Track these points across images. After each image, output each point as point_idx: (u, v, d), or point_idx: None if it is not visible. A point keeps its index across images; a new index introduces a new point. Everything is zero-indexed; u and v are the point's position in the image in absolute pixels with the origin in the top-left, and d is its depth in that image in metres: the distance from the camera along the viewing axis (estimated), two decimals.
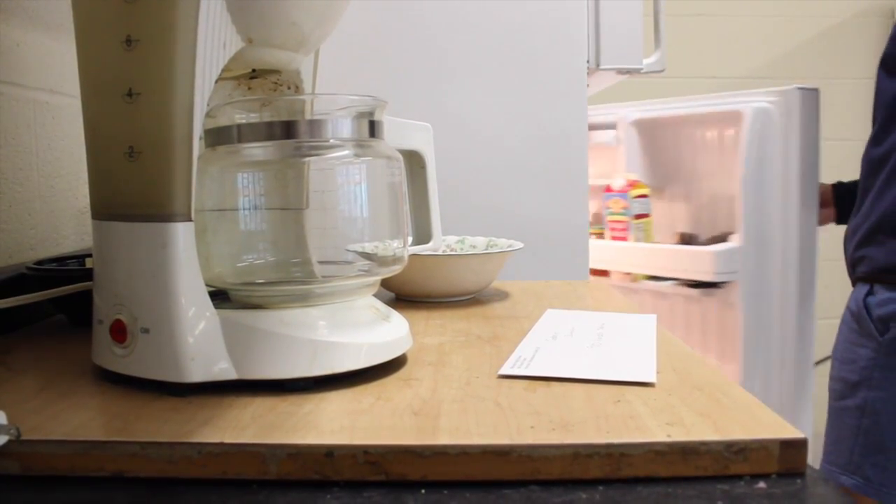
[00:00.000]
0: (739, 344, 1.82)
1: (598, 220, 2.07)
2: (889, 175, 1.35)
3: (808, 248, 1.78)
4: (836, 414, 1.43)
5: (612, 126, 2.12)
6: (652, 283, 2.00)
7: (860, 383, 1.36)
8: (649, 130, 2.10)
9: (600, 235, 2.04)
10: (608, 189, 1.99)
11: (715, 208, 2.00)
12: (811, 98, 1.78)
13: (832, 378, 1.47)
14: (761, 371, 1.81)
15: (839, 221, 1.78)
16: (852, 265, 1.45)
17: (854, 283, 1.46)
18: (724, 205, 1.95)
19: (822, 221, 1.81)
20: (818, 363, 1.87)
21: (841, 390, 1.42)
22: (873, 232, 1.38)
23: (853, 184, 1.61)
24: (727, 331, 1.88)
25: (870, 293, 1.38)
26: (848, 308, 1.44)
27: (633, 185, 1.97)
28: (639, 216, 1.97)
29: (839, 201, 1.78)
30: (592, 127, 1.94)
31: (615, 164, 2.12)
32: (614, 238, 2.00)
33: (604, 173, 2.07)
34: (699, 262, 1.82)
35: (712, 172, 2.00)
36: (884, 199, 1.36)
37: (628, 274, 2.04)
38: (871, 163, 1.41)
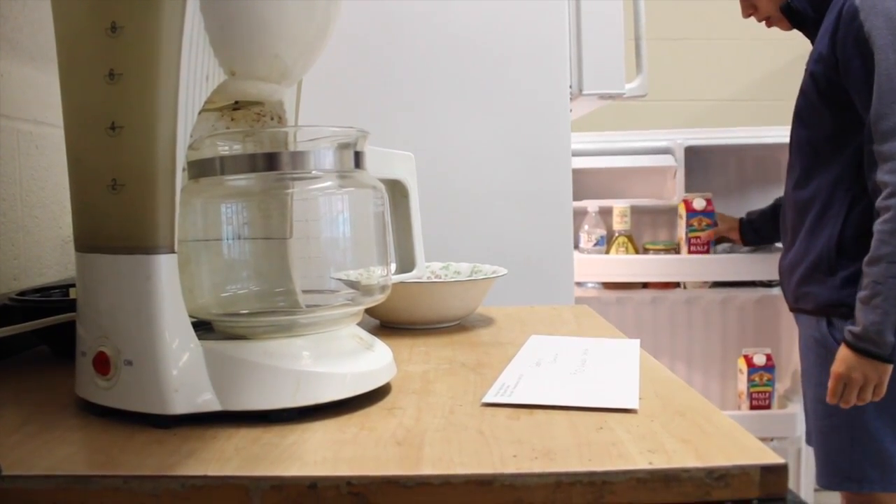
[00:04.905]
0: None
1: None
2: (816, 217, 1.54)
3: None
4: (824, 432, 1.57)
5: (664, 151, 2.32)
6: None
7: None
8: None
9: (676, 251, 2.25)
10: (690, 209, 2.19)
11: None
12: None
13: (811, 399, 1.60)
14: None
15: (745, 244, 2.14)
16: (795, 299, 1.62)
17: (796, 312, 1.64)
18: None
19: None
20: None
21: (825, 410, 1.54)
22: (812, 270, 1.54)
23: (757, 219, 2.01)
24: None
25: (829, 324, 1.53)
26: (811, 337, 1.59)
27: (709, 202, 2.19)
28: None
29: (745, 234, 2.09)
30: (644, 151, 2.27)
31: (665, 186, 2.35)
32: (693, 252, 2.20)
33: (652, 194, 2.39)
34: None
35: None
36: (817, 241, 1.53)
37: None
38: (798, 204, 1.59)
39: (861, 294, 1.39)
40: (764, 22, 1.67)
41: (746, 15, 1.70)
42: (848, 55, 1.41)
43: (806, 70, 1.54)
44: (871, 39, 1.37)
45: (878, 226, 1.37)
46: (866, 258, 1.38)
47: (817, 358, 1.57)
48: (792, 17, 1.58)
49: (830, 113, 1.49)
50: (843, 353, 1.43)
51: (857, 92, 1.42)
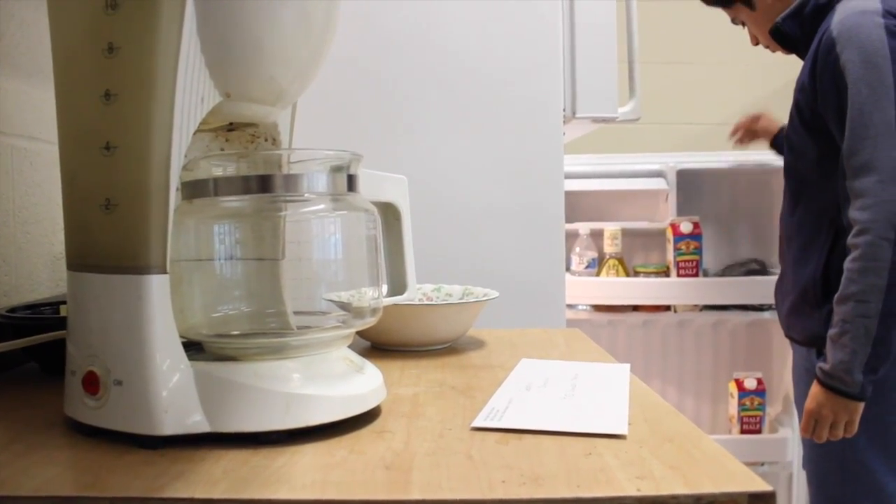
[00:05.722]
0: None
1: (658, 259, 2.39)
2: (801, 248, 1.53)
3: None
4: (815, 460, 1.56)
5: (657, 174, 2.33)
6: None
7: None
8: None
9: (666, 274, 2.27)
10: (677, 233, 2.20)
11: None
12: None
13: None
14: None
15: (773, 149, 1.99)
16: (786, 327, 1.62)
17: (790, 339, 1.64)
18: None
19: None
20: None
21: None
22: (800, 303, 1.53)
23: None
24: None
25: (819, 354, 1.51)
26: (801, 365, 1.60)
27: (696, 226, 2.21)
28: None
29: (776, 143, 1.95)
30: (637, 174, 2.28)
31: (657, 208, 2.37)
32: (682, 276, 2.22)
33: (645, 217, 2.40)
34: None
35: None
36: (803, 273, 1.51)
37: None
38: (787, 231, 1.59)
39: (831, 332, 1.38)
40: (769, 47, 1.67)
41: (754, 43, 1.70)
42: (825, 87, 1.39)
43: (793, 97, 1.52)
44: (846, 73, 1.34)
45: (847, 263, 1.35)
46: (836, 296, 1.37)
47: (807, 387, 1.55)
48: (781, 41, 1.56)
49: (815, 142, 1.47)
50: (814, 389, 1.42)
51: (833, 125, 1.40)
